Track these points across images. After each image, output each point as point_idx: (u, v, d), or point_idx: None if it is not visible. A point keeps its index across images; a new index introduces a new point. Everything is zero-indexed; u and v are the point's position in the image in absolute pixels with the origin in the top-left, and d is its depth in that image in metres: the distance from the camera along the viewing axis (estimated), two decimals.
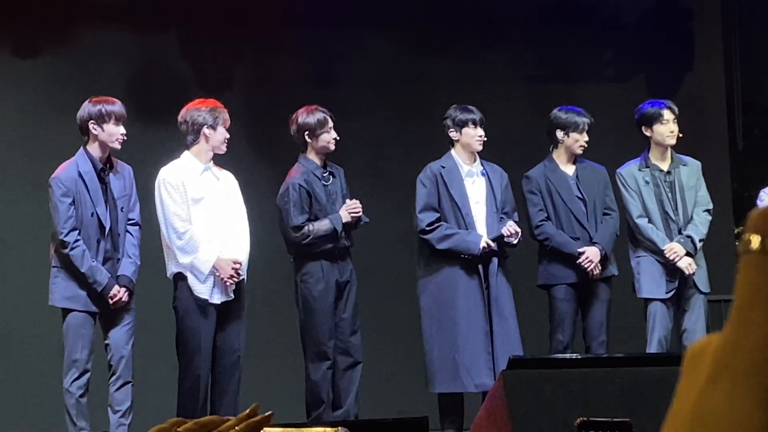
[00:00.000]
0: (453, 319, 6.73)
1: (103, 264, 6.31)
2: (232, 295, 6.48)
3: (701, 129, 8.87)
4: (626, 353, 6.44)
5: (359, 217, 6.81)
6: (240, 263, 6.44)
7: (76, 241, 6.24)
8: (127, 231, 6.44)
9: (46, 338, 7.44)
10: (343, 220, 6.74)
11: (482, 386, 6.61)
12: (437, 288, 6.82)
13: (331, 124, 6.83)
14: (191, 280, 6.45)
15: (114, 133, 6.33)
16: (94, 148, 6.37)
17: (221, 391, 6.51)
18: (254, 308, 6.79)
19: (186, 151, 6.59)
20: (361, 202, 6.86)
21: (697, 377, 0.87)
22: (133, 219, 6.47)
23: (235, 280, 6.44)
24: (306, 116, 6.83)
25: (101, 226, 6.31)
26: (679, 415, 0.86)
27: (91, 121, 6.33)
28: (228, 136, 6.59)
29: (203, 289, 6.43)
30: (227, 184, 6.62)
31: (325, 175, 6.85)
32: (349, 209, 6.77)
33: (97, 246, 6.30)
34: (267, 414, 1.29)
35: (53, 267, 6.34)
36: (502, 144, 7.81)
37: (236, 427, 1.26)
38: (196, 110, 6.55)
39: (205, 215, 6.47)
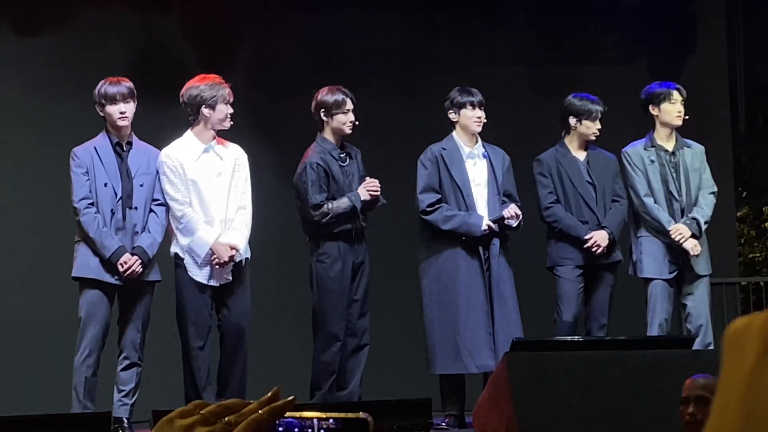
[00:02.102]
0: (454, 300, 6.73)
1: (116, 234, 6.33)
2: (230, 278, 6.48)
3: (704, 111, 8.86)
4: (629, 336, 6.44)
5: (378, 196, 6.78)
6: (236, 248, 6.43)
7: (87, 207, 6.31)
8: (152, 210, 6.46)
9: (60, 314, 7.45)
10: (362, 198, 6.72)
11: (484, 367, 6.62)
12: (438, 270, 6.82)
13: (349, 106, 6.78)
14: (188, 262, 6.46)
15: (113, 112, 6.40)
16: (109, 128, 6.47)
17: (227, 372, 6.52)
18: (256, 288, 6.78)
19: (189, 130, 6.58)
20: None
21: (744, 356, 0.86)
22: (159, 199, 6.49)
23: (229, 266, 6.42)
24: (325, 95, 6.80)
25: (115, 197, 6.34)
26: (730, 394, 0.86)
27: (96, 105, 6.48)
28: (230, 111, 6.53)
29: (199, 273, 6.44)
30: (232, 161, 6.57)
31: (342, 155, 6.82)
32: (368, 187, 6.75)
33: (111, 216, 6.35)
34: (290, 399, 1.29)
35: (76, 241, 6.42)
36: (505, 126, 7.80)
37: (260, 411, 1.26)
38: (194, 88, 6.53)
39: (204, 196, 6.46)
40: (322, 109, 6.78)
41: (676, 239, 7.02)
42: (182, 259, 6.46)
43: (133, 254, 6.31)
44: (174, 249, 6.50)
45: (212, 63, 8.36)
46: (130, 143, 6.48)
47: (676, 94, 7.20)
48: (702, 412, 4.19)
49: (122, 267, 6.28)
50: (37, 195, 8.02)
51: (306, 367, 6.84)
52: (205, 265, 6.42)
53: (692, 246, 7.03)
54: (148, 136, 7.01)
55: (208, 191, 6.47)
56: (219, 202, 6.48)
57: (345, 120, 6.77)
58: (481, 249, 6.79)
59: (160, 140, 6.79)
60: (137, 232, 6.38)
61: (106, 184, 6.35)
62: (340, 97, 6.77)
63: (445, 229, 6.76)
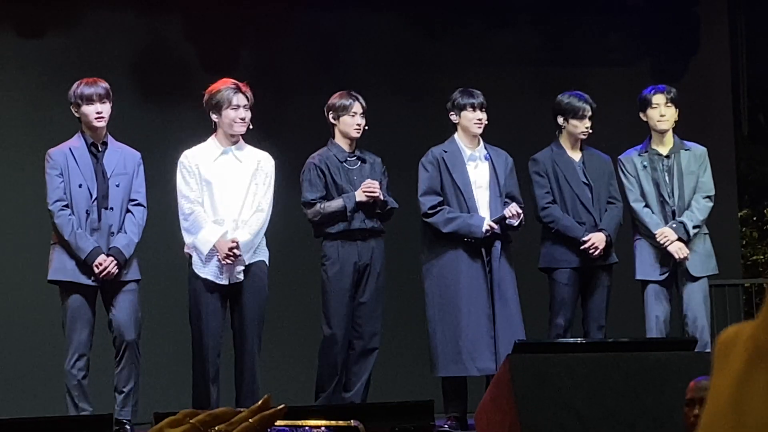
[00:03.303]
0: (456, 303, 6.73)
1: (91, 235, 6.33)
2: (240, 277, 6.48)
3: (706, 113, 8.87)
4: (631, 338, 6.44)
5: (376, 197, 6.72)
6: (236, 243, 6.42)
7: (61, 210, 6.34)
8: (129, 210, 6.47)
9: (49, 318, 7.45)
10: (357, 199, 6.72)
11: (485, 370, 6.62)
12: (440, 272, 6.82)
13: (356, 109, 6.80)
14: (195, 261, 6.48)
15: (89, 113, 6.41)
16: (84, 128, 6.48)
17: (239, 372, 6.54)
18: (273, 291, 6.79)
19: (212, 135, 6.63)
20: None
21: (732, 364, 0.86)
22: (136, 199, 6.50)
23: (231, 260, 6.42)
24: (335, 98, 6.87)
25: (90, 198, 6.36)
26: (717, 403, 0.86)
27: (71, 106, 6.50)
28: (240, 115, 6.54)
29: (206, 271, 6.45)
30: (253, 165, 6.59)
31: (351, 159, 6.85)
32: (364, 188, 6.76)
33: (87, 217, 6.36)
34: (280, 407, 1.29)
35: (51, 244, 6.44)
36: (508, 127, 7.80)
37: (250, 419, 1.26)
38: (207, 95, 6.62)
39: (215, 197, 6.49)
40: (331, 112, 6.83)
41: (662, 243, 7.02)
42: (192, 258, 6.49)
43: (108, 255, 6.32)
44: (185, 249, 6.53)
45: (215, 64, 8.37)
46: (105, 143, 6.49)
47: (657, 98, 7.14)
48: None
49: (97, 268, 6.29)
50: (36, 196, 8.01)
51: (313, 369, 6.83)
52: (210, 261, 6.43)
53: (677, 249, 7.01)
54: (150, 137, 7.02)
55: (221, 192, 6.50)
56: (233, 204, 6.50)
57: (351, 122, 6.79)
58: (483, 251, 6.78)
59: (162, 140, 6.81)
60: (113, 233, 6.39)
61: (80, 185, 6.36)
62: (348, 100, 6.82)
63: (446, 231, 6.76)
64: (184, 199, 6.50)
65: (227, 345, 6.58)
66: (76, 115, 6.45)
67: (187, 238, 6.49)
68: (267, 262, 6.60)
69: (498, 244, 6.81)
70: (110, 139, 6.53)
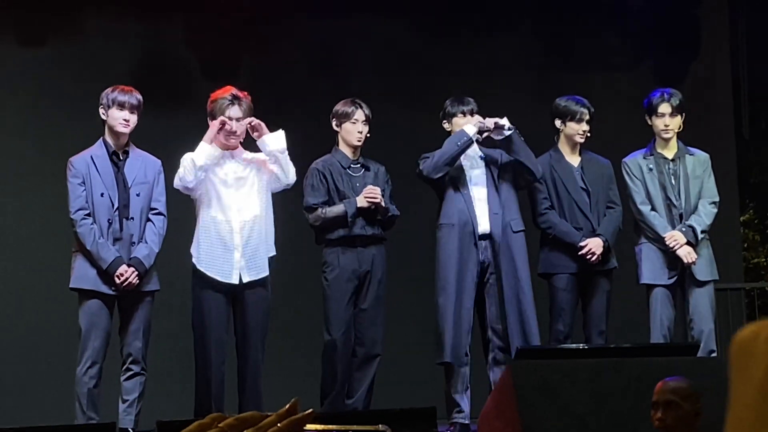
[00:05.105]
0: (447, 292, 6.76)
1: (113, 245, 6.33)
2: (243, 276, 6.48)
3: (707, 117, 8.87)
4: (633, 343, 6.44)
5: (377, 203, 6.72)
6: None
7: (83, 219, 6.32)
8: (150, 219, 6.47)
9: (61, 325, 7.46)
10: (358, 205, 6.73)
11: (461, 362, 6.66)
12: (439, 264, 6.85)
13: (358, 116, 6.84)
14: (197, 257, 6.51)
15: (117, 117, 6.42)
16: (107, 134, 6.48)
17: (242, 380, 6.54)
18: (279, 298, 6.79)
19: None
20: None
21: (754, 371, 0.85)
22: (157, 209, 6.51)
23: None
24: (339, 105, 6.92)
25: (112, 207, 6.35)
26: (744, 407, 0.84)
27: (101, 106, 6.48)
28: (231, 126, 6.53)
29: (210, 268, 6.47)
30: (253, 172, 6.61)
31: (354, 166, 6.86)
32: (366, 194, 6.76)
33: (109, 227, 6.35)
34: (308, 411, 1.28)
35: (73, 252, 6.43)
36: None
37: (278, 424, 1.26)
38: (209, 102, 6.63)
39: (216, 201, 6.51)
40: (334, 119, 6.88)
41: (671, 246, 7.00)
42: (198, 262, 6.48)
43: (129, 265, 6.32)
44: (193, 255, 6.53)
45: (215, 70, 8.38)
46: (126, 152, 6.49)
47: (662, 108, 7.13)
48: (670, 417, 4.18)
49: (119, 279, 6.29)
50: (40, 205, 8.02)
51: (317, 376, 6.84)
52: (212, 259, 6.43)
53: (686, 253, 7.00)
54: (151, 144, 7.01)
55: (222, 196, 6.50)
56: (229, 209, 6.51)
57: (352, 129, 6.82)
58: (476, 246, 6.76)
59: (163, 149, 6.80)
60: (134, 243, 6.39)
61: (102, 194, 6.36)
62: (350, 108, 6.86)
63: (439, 163, 6.76)
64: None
65: (231, 353, 6.58)
66: (103, 117, 6.45)
67: (182, 170, 6.45)
68: (269, 277, 6.60)
69: (498, 239, 6.79)
70: (132, 147, 6.54)
